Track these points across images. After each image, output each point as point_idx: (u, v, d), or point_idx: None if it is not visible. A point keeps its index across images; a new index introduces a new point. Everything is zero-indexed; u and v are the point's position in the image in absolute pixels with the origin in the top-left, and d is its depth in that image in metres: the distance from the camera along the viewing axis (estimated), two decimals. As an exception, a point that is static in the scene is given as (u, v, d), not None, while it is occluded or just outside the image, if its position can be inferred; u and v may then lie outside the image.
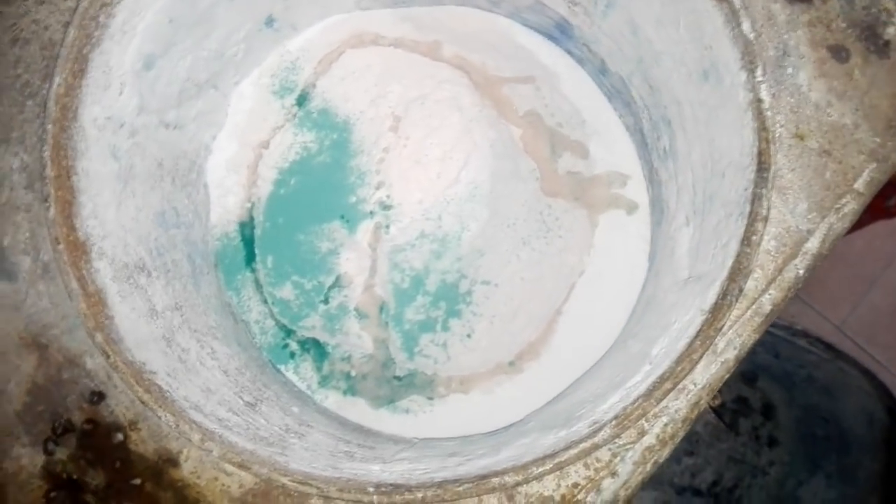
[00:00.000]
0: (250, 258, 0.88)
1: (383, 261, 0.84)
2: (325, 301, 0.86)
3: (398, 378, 0.87)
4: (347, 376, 0.87)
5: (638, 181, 0.88)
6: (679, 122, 0.72)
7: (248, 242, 0.88)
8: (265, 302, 0.88)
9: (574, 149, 0.89)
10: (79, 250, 0.58)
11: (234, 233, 0.88)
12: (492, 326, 0.87)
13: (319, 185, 0.86)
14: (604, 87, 0.87)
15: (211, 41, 0.74)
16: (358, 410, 0.85)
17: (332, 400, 0.85)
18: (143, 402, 0.54)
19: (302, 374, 0.87)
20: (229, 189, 0.87)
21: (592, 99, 0.88)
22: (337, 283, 0.86)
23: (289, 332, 0.88)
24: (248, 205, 0.88)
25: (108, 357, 0.55)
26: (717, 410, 1.20)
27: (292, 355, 0.88)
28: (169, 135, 0.75)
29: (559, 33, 0.85)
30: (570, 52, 0.88)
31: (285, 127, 0.87)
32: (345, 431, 0.79)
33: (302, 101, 0.87)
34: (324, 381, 0.87)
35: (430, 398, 0.86)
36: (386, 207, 0.84)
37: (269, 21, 0.80)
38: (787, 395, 1.23)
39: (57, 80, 0.58)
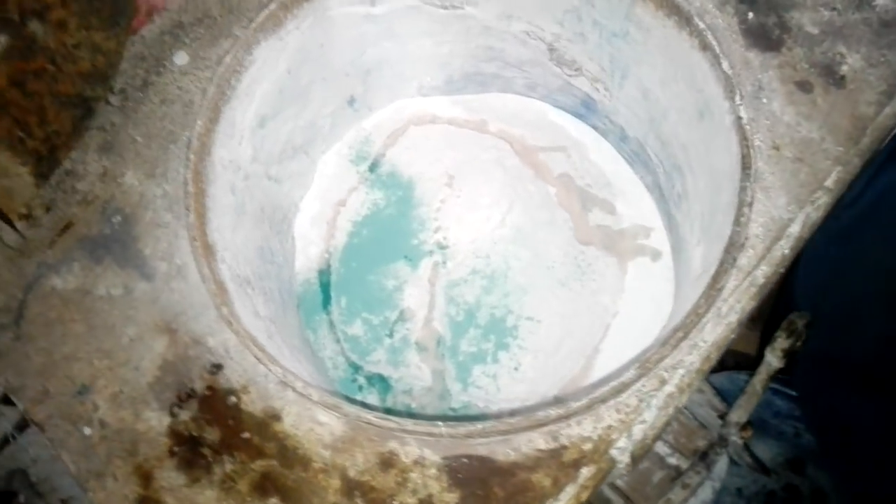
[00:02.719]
0: (326, 302, 1.03)
1: (440, 295, 0.98)
2: (390, 335, 1.00)
3: (454, 410, 0.98)
4: (408, 409, 0.98)
5: (660, 232, 1.02)
6: (687, 165, 0.87)
7: (325, 287, 1.03)
8: (337, 341, 1.02)
9: (602, 205, 1.04)
10: (208, 249, 0.74)
11: (314, 279, 1.03)
12: (536, 360, 0.99)
13: (387, 233, 1.02)
14: (625, 152, 1.04)
15: (307, 112, 0.93)
16: (417, 441, 0.95)
17: (394, 432, 0.96)
18: (256, 359, 0.68)
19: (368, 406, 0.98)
20: (312, 241, 1.03)
21: (616, 164, 1.05)
22: (401, 318, 0.99)
23: (357, 368, 1.00)
24: (327, 255, 1.04)
25: (230, 324, 0.69)
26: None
27: (360, 388, 1.00)
28: (270, 186, 0.93)
29: (585, 110, 1.03)
30: (595, 127, 1.06)
31: (359, 188, 1.04)
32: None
33: (374, 167, 1.06)
34: (387, 414, 0.98)
35: (483, 431, 0.96)
36: (443, 247, 1.00)
37: (351, 101, 1.00)
38: (835, 481, 1.26)
39: (199, 122, 0.76)
